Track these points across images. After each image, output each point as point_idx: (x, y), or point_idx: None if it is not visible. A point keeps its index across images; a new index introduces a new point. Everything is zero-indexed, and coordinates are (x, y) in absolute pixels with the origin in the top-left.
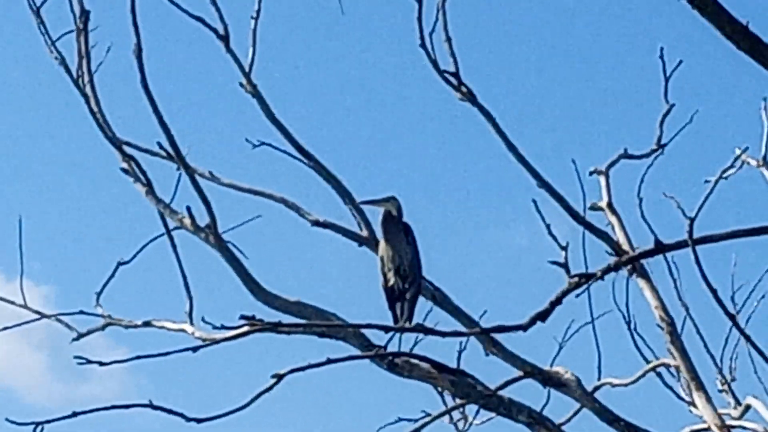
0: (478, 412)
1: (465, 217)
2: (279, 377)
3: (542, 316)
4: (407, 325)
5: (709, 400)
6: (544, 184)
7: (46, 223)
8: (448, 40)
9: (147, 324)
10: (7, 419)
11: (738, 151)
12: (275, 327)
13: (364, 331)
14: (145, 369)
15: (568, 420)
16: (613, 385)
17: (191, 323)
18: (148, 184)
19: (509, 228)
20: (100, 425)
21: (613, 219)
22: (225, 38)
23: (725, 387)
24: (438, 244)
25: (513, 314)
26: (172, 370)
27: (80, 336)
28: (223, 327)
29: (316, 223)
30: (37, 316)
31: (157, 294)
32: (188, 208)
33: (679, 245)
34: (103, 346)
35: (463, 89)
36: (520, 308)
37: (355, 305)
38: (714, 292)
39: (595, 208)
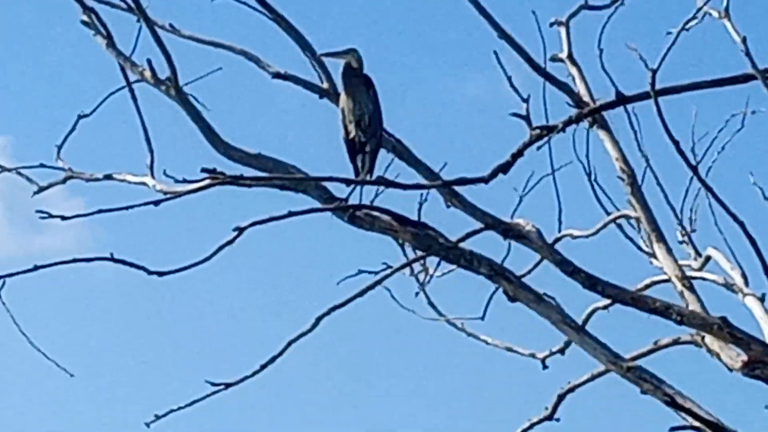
0: (439, 264)
1: (421, 68)
2: (240, 230)
3: (504, 168)
4: (368, 177)
5: (669, 251)
6: (504, 35)
7: (4, 75)
8: None
9: (108, 177)
10: None
11: (700, 3)
12: (236, 180)
13: (325, 183)
14: (103, 222)
15: (529, 272)
16: (574, 237)
17: (152, 176)
18: (109, 37)
19: (465, 79)
20: (60, 278)
21: (574, 71)
22: None
23: (685, 238)
24: (396, 96)
25: (472, 166)
26: (131, 223)
27: (41, 189)
28: (184, 180)
29: (277, 75)
30: None
31: (118, 147)
32: (149, 61)
33: (641, 97)
34: (61, 198)
35: None
36: (478, 160)
37: (316, 158)
38: (676, 143)
39: (555, 59)
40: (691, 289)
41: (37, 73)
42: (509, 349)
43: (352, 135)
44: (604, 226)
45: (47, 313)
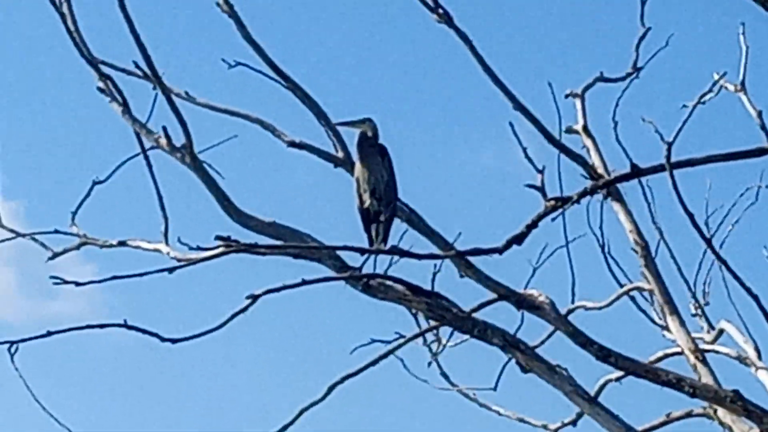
0: (452, 334)
1: (435, 139)
2: (254, 298)
3: (518, 239)
4: (382, 247)
5: (682, 324)
6: (519, 106)
7: (20, 141)
8: None
9: (122, 243)
10: None
11: (716, 76)
12: (250, 248)
13: (339, 252)
14: (116, 288)
15: (542, 343)
16: (587, 309)
17: (166, 243)
18: (124, 104)
19: (478, 149)
20: (72, 344)
21: (589, 142)
22: None
23: (699, 311)
24: (410, 166)
25: (485, 236)
26: (143, 290)
27: (55, 255)
28: (198, 248)
29: (292, 144)
30: (12, 235)
31: (132, 214)
32: (164, 128)
33: (656, 169)
34: (74, 263)
35: (440, 11)
36: (492, 230)
37: (331, 227)
38: (690, 216)
39: (570, 131)
40: (704, 361)
41: (52, 139)
42: (521, 420)
43: (366, 204)
44: (618, 298)
45: (60, 379)
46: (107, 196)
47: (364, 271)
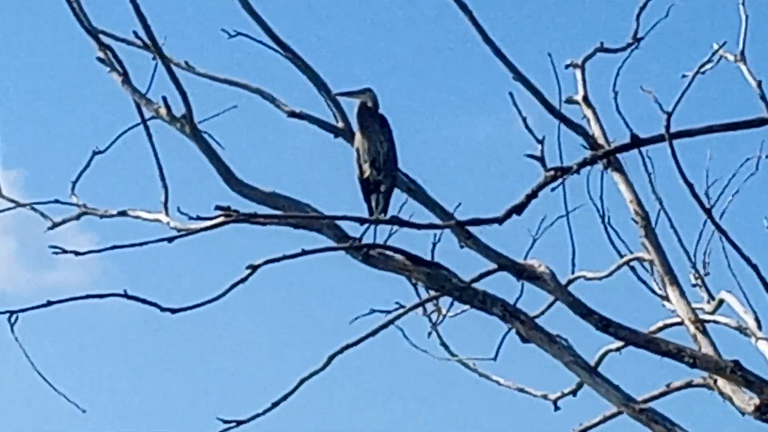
0: (452, 304)
1: (434, 109)
2: (253, 268)
3: (518, 209)
4: (382, 216)
5: (682, 294)
6: (519, 76)
7: (20, 111)
8: None
9: (122, 213)
10: None
11: (716, 46)
12: (250, 218)
13: (339, 222)
14: (115, 258)
15: (542, 313)
16: (588, 279)
17: (167, 213)
18: (124, 74)
19: (477, 120)
20: (72, 314)
21: (589, 113)
22: None
23: (699, 281)
24: (409, 136)
25: (483, 206)
26: (143, 260)
27: (55, 225)
28: (198, 217)
29: (292, 114)
30: (12, 205)
31: (132, 184)
32: (164, 98)
33: (656, 139)
34: (73, 233)
35: None
36: (489, 199)
37: (331, 197)
38: (690, 186)
39: (570, 101)
40: (704, 332)
41: (52, 108)
42: (521, 390)
43: (366, 174)
44: (618, 268)
45: (59, 348)
46: (107, 166)
47: (364, 241)
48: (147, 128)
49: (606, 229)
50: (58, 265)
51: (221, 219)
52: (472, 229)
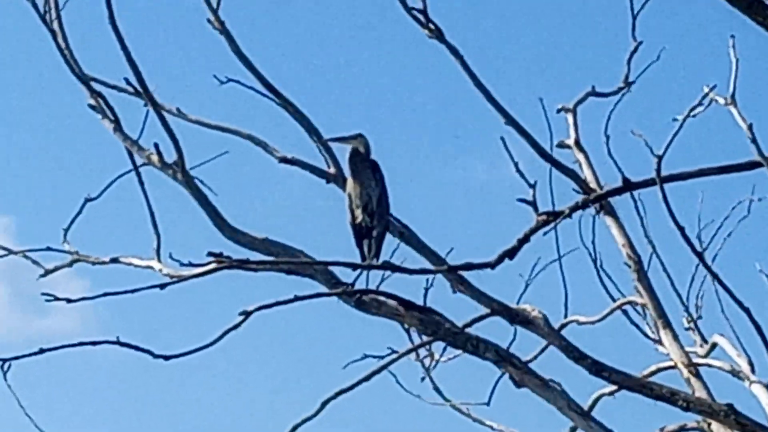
0: (445, 349)
1: (425, 153)
2: (246, 314)
3: (510, 253)
4: (374, 262)
5: (675, 338)
6: (511, 121)
7: (11, 157)
8: None
9: (114, 261)
10: None
11: (706, 89)
12: (243, 264)
13: (331, 268)
14: (107, 304)
15: (535, 357)
16: (580, 323)
17: (159, 260)
18: (116, 121)
19: (469, 165)
20: (65, 360)
21: (581, 157)
22: None
23: (692, 325)
24: (401, 181)
25: (475, 250)
26: (135, 306)
27: (47, 272)
28: (190, 264)
29: (284, 160)
30: (4, 252)
31: (124, 231)
32: (156, 145)
33: (647, 183)
34: (65, 279)
35: (431, 26)
36: (480, 243)
37: (323, 243)
38: (681, 229)
39: (562, 146)
40: (698, 375)
41: (43, 155)
42: None
43: (359, 220)
44: (611, 312)
45: (51, 395)
46: (99, 213)
47: (357, 286)
48: (139, 175)
49: (598, 273)
50: (50, 312)
51: (213, 265)
52: (464, 274)
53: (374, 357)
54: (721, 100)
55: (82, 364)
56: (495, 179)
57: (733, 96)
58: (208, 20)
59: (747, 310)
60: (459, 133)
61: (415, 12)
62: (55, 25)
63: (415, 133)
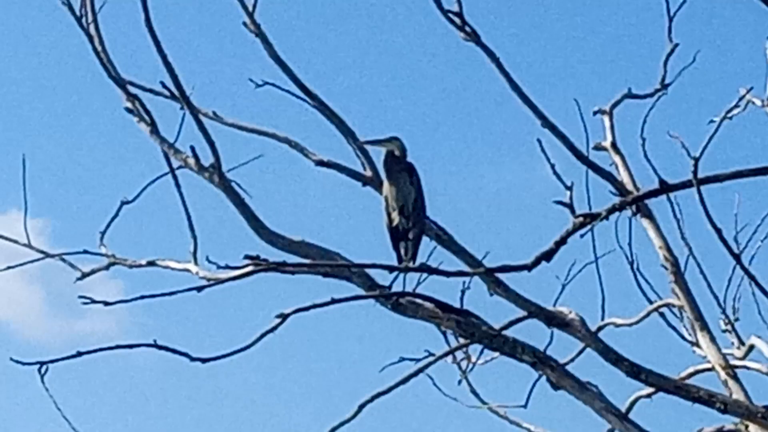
0: (482, 352)
1: (457, 155)
2: (283, 317)
3: (547, 255)
4: (411, 264)
5: (713, 340)
6: (548, 123)
7: (48, 161)
8: None
9: (151, 263)
10: (11, 359)
11: (743, 91)
12: (279, 266)
13: (368, 271)
14: (143, 307)
15: (572, 360)
16: (617, 325)
17: (195, 263)
18: (152, 124)
19: (500, 166)
20: (101, 364)
21: (617, 159)
22: None
23: (729, 327)
24: (433, 182)
25: (509, 252)
26: (171, 309)
27: (84, 275)
28: (227, 267)
29: (320, 163)
30: (41, 255)
31: (160, 234)
32: (192, 148)
33: (684, 185)
34: (100, 281)
35: (467, 29)
36: (513, 245)
37: (359, 245)
38: (718, 231)
39: (598, 148)
40: (735, 377)
41: (80, 159)
42: None
43: (395, 222)
44: (648, 314)
45: (87, 398)
46: (135, 216)
47: (393, 289)
48: (175, 178)
49: (635, 275)
50: (86, 314)
51: (250, 268)
52: (501, 276)
53: (411, 360)
54: (758, 102)
55: (118, 367)
56: (527, 181)
57: None
58: (244, 23)
59: None
60: (494, 136)
61: (450, 14)
62: (92, 29)
63: (446, 135)
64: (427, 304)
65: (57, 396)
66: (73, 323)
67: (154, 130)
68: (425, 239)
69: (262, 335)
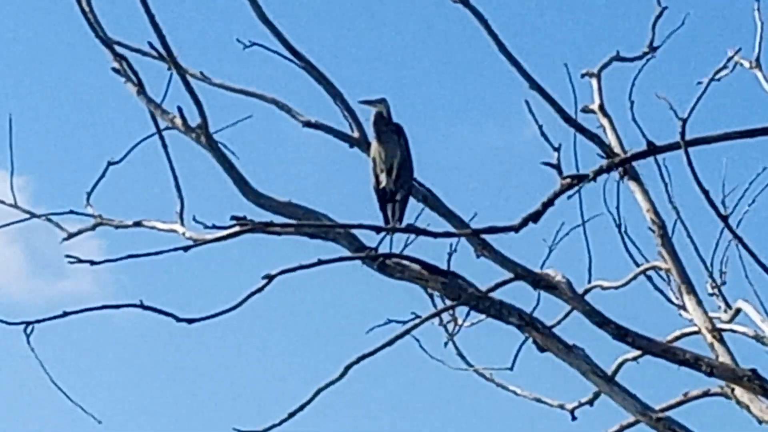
0: (468, 314)
1: (444, 117)
2: (270, 278)
3: (534, 216)
4: (398, 225)
5: (699, 303)
6: (536, 86)
7: (31, 119)
8: None
9: (137, 224)
10: None
11: (731, 53)
12: (266, 227)
13: (355, 232)
14: (125, 267)
15: (559, 322)
16: (604, 288)
17: (182, 224)
18: (139, 84)
19: (482, 128)
20: (85, 324)
21: (605, 121)
22: None
23: (715, 290)
24: (422, 145)
25: (493, 213)
26: (154, 270)
27: (70, 236)
28: (214, 227)
29: (308, 124)
30: (27, 216)
31: (147, 194)
32: (179, 108)
33: (672, 147)
34: (81, 241)
35: None
36: (496, 206)
37: (346, 206)
38: (706, 193)
39: (586, 110)
40: (721, 341)
41: (65, 118)
42: (538, 400)
43: (382, 184)
44: (634, 277)
45: (73, 359)
46: (122, 176)
47: (380, 250)
48: (162, 138)
49: (622, 238)
50: (67, 274)
51: (237, 228)
52: (488, 238)
53: (397, 322)
54: (746, 64)
55: (103, 327)
56: (514, 144)
57: (758, 59)
58: None
59: None
60: (478, 98)
61: None
62: None
63: (435, 97)
64: (414, 266)
65: (41, 356)
66: (54, 283)
67: (141, 90)
68: (412, 201)
69: (249, 296)
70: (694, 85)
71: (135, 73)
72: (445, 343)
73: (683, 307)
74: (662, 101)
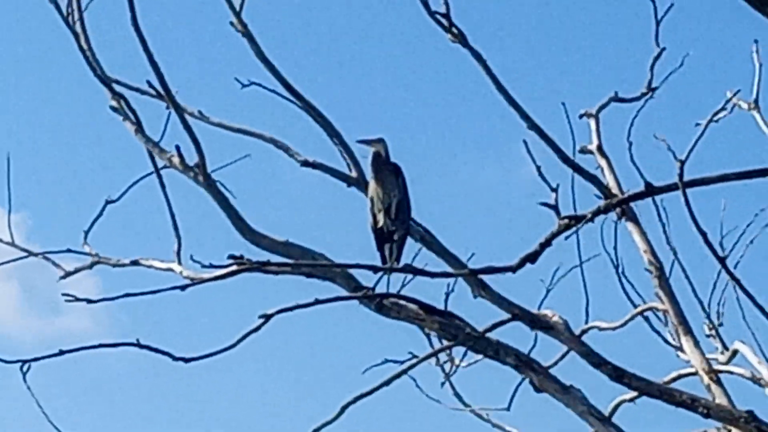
0: (465, 354)
1: (439, 156)
2: (267, 317)
3: (532, 257)
4: (396, 265)
5: (696, 344)
6: (533, 126)
7: (30, 157)
8: None
9: (135, 263)
10: None
11: (729, 94)
12: (263, 266)
13: (352, 271)
14: (121, 306)
15: (556, 363)
16: (601, 329)
17: (179, 262)
18: (138, 123)
19: (480, 168)
20: (80, 362)
21: (603, 162)
22: None
23: (713, 332)
24: (420, 184)
25: (491, 253)
26: (149, 309)
27: (68, 274)
28: (211, 266)
29: (305, 164)
30: (25, 254)
31: (145, 233)
32: (177, 147)
33: (670, 188)
34: (78, 279)
35: (454, 30)
36: (495, 247)
37: (344, 246)
38: (704, 235)
39: (584, 151)
40: (718, 382)
41: (63, 156)
42: None
43: (380, 223)
44: (632, 318)
45: (70, 396)
46: (119, 215)
47: (378, 290)
48: (160, 177)
49: (620, 278)
50: (64, 312)
51: (234, 268)
52: (485, 278)
53: (394, 361)
54: (745, 105)
55: (97, 366)
56: (510, 184)
57: (756, 100)
58: (231, 23)
59: None
60: (475, 137)
61: (437, 16)
62: (78, 27)
63: (432, 136)
64: (411, 306)
65: (36, 394)
66: (50, 321)
67: (140, 129)
68: (410, 240)
69: (245, 335)
70: (693, 127)
71: (133, 112)
72: (442, 383)
73: (680, 348)
74: (660, 142)
